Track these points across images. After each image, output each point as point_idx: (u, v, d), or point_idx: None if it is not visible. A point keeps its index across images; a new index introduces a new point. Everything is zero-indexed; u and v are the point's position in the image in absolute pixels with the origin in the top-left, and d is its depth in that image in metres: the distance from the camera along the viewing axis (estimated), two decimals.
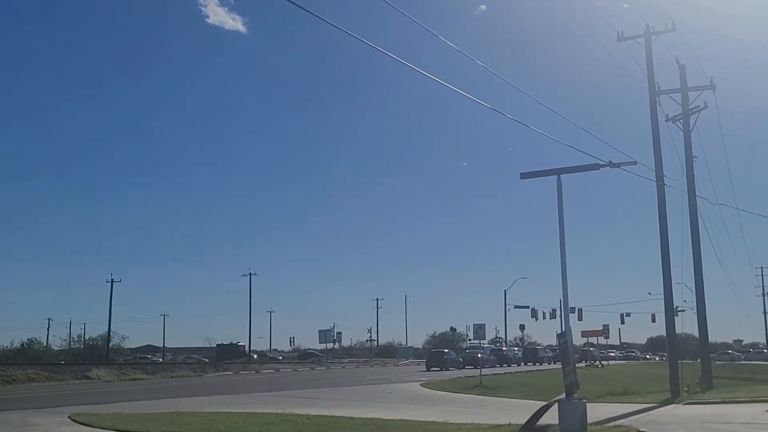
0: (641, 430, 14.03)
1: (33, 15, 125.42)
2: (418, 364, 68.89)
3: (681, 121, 29.87)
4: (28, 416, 18.62)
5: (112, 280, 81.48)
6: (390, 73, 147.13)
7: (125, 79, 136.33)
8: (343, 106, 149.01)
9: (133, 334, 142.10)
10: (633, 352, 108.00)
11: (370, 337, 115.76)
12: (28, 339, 75.16)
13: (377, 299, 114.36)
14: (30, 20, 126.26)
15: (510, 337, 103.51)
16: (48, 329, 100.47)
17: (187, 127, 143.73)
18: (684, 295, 33.36)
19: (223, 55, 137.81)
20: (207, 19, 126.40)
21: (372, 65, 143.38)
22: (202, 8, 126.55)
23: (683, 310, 33.83)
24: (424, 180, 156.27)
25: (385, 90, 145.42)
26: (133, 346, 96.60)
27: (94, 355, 70.65)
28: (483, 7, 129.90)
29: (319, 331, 69.29)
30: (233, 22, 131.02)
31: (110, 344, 78.33)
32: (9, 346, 73.42)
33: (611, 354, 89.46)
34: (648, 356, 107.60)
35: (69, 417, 17.81)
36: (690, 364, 31.90)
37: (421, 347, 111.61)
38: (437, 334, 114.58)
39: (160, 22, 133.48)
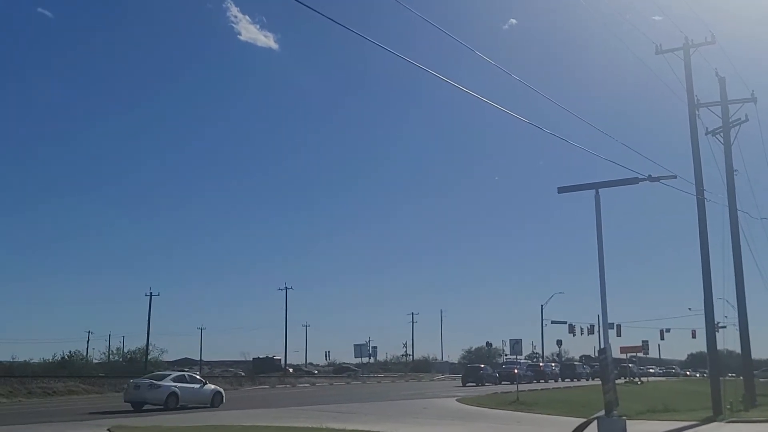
0: None
1: (63, 34, 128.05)
2: (454, 380, 68.54)
3: (721, 134, 29.45)
4: (68, 428, 18.90)
5: (150, 293, 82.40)
6: (423, 88, 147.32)
7: (161, 96, 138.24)
8: (378, 121, 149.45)
9: (170, 348, 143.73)
10: (673, 368, 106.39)
11: (406, 351, 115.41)
12: (69, 352, 76.17)
13: (413, 314, 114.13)
14: (60, 39, 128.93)
15: (547, 353, 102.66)
16: (88, 342, 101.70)
17: (222, 143, 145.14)
18: (725, 311, 32.84)
19: (256, 71, 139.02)
20: (239, 36, 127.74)
21: (405, 80, 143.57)
22: (233, 25, 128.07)
23: (724, 326, 33.34)
24: (460, 196, 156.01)
25: (418, 104, 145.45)
26: (171, 359, 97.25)
27: (133, 368, 71.23)
28: (513, 20, 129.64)
29: (355, 346, 69.38)
30: (265, 39, 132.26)
31: (148, 357, 79.00)
32: (51, 359, 74.48)
33: (650, 370, 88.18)
34: (688, 373, 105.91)
35: (108, 429, 18.02)
36: (732, 381, 31.36)
37: (456, 362, 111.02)
38: (473, 349, 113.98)
39: (192, 39, 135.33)
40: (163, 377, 30.94)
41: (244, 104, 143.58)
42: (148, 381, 30.18)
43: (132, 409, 28.27)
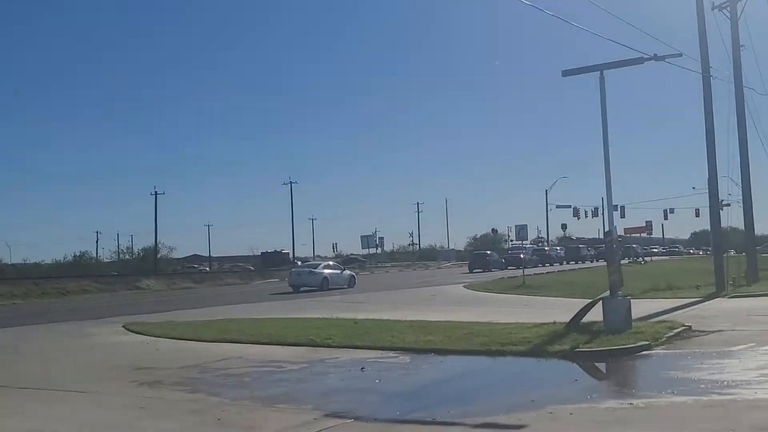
0: (686, 324, 14.04)
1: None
2: (461, 267, 69.48)
3: (728, 8, 28.70)
4: (84, 326, 19.29)
5: (156, 192, 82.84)
6: None
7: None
8: (374, 17, 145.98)
9: (179, 245, 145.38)
10: (676, 247, 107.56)
11: (412, 241, 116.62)
12: (80, 252, 77.30)
13: (418, 203, 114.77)
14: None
15: (552, 237, 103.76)
16: (97, 242, 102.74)
17: (218, 37, 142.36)
18: (729, 189, 32.89)
19: None
20: None
21: None
22: None
23: (728, 204, 33.39)
24: (461, 82, 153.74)
25: None
26: (180, 256, 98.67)
27: (144, 266, 72.43)
28: None
29: (362, 237, 69.96)
30: None
31: (158, 255, 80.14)
32: (62, 259, 75.60)
33: (654, 250, 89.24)
34: (692, 251, 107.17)
35: (123, 326, 18.41)
36: (735, 257, 31.67)
37: (463, 249, 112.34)
38: (479, 236, 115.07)
39: None
40: (317, 266, 39.22)
41: (248, 17, 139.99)
42: (307, 269, 38.74)
43: (292, 291, 35.74)
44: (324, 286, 35.86)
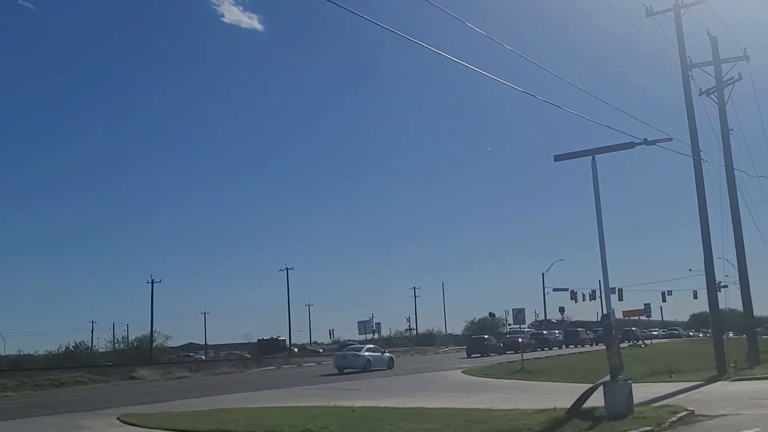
0: (689, 408, 13.84)
1: (42, 19, 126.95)
2: (458, 351, 68.81)
3: (715, 94, 29.33)
4: (77, 419, 18.93)
5: (152, 280, 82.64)
6: (417, 63, 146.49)
7: (152, 83, 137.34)
8: (371, 101, 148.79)
9: (175, 333, 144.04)
10: (675, 329, 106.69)
11: (409, 326, 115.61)
12: (75, 343, 76.33)
13: (414, 288, 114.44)
14: (39, 26, 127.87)
15: (551, 318, 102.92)
16: (92, 332, 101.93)
17: (215, 129, 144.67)
18: (726, 270, 32.94)
19: (242, 53, 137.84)
20: (223, 19, 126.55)
21: (392, 53, 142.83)
22: (216, 8, 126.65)
23: (726, 286, 33.45)
24: (456, 170, 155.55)
25: (410, 79, 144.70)
26: (176, 345, 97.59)
27: (139, 356, 71.56)
28: None
29: (358, 323, 69.88)
30: (249, 20, 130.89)
31: (153, 344, 79.28)
32: (56, 350, 74.61)
33: (654, 333, 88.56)
34: (691, 333, 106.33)
35: (117, 418, 18.08)
36: (735, 339, 31.48)
37: (460, 334, 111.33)
38: (476, 320, 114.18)
39: (176, 23, 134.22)
40: (360, 349, 42.62)
41: (237, 87, 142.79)
42: (352, 352, 41.56)
43: (337, 372, 38.86)
44: (367, 367, 38.90)
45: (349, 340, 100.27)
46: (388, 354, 43.76)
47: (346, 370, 38.85)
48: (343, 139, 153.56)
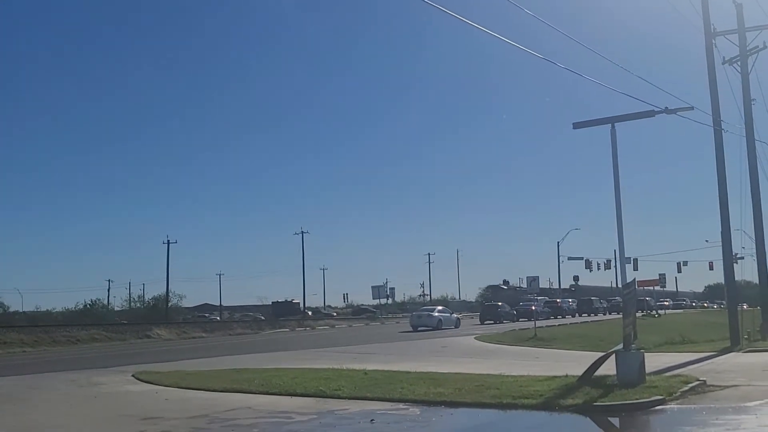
0: (701, 379, 13.84)
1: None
2: (472, 318, 69.00)
3: (738, 63, 28.85)
4: (93, 375, 19.19)
5: (168, 241, 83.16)
6: (431, 25, 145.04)
7: (172, 45, 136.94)
8: (387, 61, 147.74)
9: (190, 293, 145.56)
10: (683, 300, 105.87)
11: (423, 291, 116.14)
12: (91, 300, 77.18)
13: (429, 254, 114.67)
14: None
15: (564, 286, 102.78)
16: (108, 290, 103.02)
17: (233, 92, 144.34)
18: (743, 242, 32.71)
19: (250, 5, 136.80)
20: None
21: (414, 16, 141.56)
22: None
23: (742, 258, 33.22)
24: (474, 135, 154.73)
25: (427, 42, 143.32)
26: (191, 305, 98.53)
27: (154, 315, 72.34)
28: None
29: (372, 287, 69.79)
30: None
31: (169, 304, 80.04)
32: (73, 307, 75.53)
33: (666, 303, 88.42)
34: (706, 304, 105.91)
35: (133, 375, 18.32)
36: (750, 311, 31.34)
37: (474, 301, 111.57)
38: (490, 287, 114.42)
39: None
40: (433, 310, 49.96)
41: (247, 47, 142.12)
42: (426, 312, 48.46)
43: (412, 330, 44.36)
44: (439, 326, 44.73)
45: (362, 304, 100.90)
46: (455, 315, 50.46)
47: (420, 328, 44.92)
48: (359, 99, 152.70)
